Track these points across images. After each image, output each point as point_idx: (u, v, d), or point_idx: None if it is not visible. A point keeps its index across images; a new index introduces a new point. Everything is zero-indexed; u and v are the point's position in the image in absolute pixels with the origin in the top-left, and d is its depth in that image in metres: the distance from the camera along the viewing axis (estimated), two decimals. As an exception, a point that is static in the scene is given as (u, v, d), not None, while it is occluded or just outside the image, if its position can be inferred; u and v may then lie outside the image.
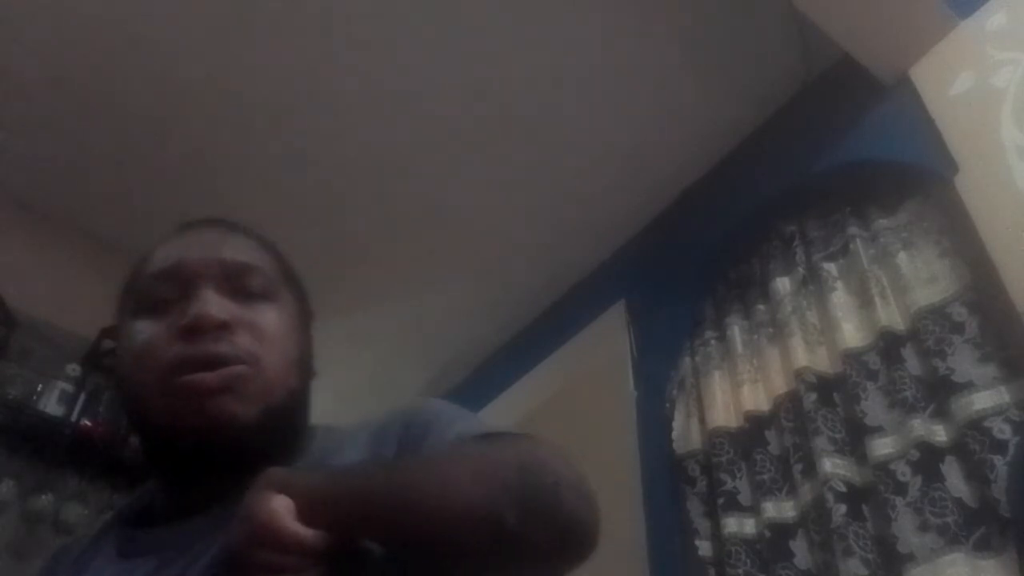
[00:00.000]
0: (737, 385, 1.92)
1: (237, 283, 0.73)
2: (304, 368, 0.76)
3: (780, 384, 1.81)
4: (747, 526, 1.72)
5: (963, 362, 1.48)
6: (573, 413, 2.22)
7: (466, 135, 2.30)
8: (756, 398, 1.87)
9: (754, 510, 1.73)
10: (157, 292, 0.73)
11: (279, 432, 0.71)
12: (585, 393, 2.30)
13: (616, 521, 1.99)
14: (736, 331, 1.99)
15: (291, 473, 0.59)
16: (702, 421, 1.96)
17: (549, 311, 2.82)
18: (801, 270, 1.89)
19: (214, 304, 0.70)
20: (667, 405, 2.06)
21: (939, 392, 1.49)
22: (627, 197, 2.44)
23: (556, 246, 2.62)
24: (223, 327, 0.69)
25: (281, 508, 0.55)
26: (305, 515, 0.55)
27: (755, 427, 1.82)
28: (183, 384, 0.66)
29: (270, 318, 0.73)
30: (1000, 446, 1.35)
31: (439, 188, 2.41)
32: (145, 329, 0.71)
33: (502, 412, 2.51)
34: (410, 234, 2.59)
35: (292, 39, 2.08)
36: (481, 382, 2.84)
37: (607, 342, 2.35)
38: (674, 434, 2.01)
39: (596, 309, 2.48)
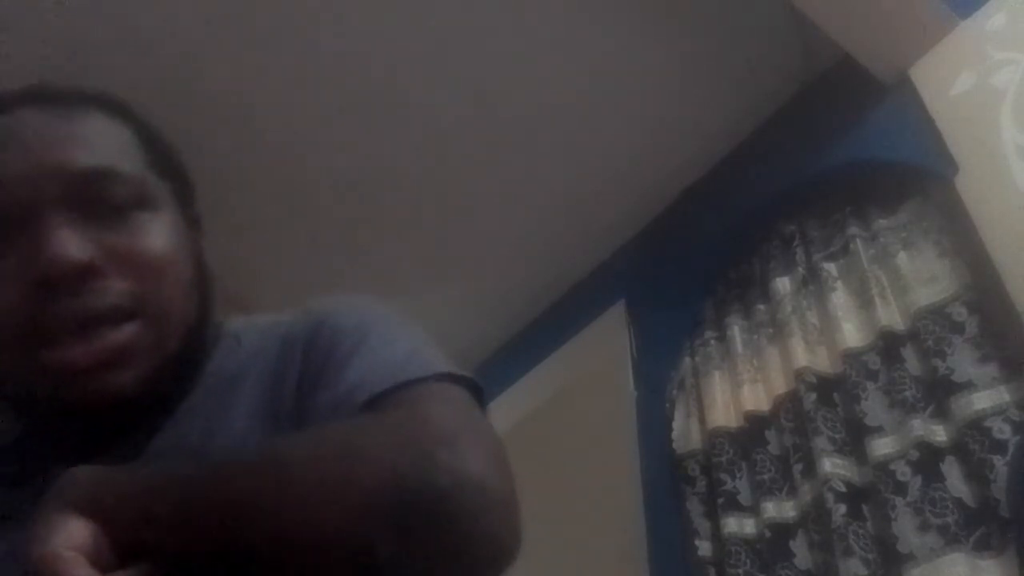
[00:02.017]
0: (737, 385, 1.92)
1: (94, 196, 0.55)
2: (200, 289, 0.61)
3: (780, 384, 1.81)
4: (747, 526, 1.72)
5: (963, 362, 1.47)
6: (573, 413, 2.22)
7: (465, 136, 2.30)
8: (756, 398, 1.87)
9: (754, 510, 1.73)
10: None
11: (173, 382, 0.58)
12: (585, 393, 2.31)
13: (616, 521, 2.00)
14: (736, 331, 1.99)
15: (99, 480, 0.44)
16: (702, 421, 1.96)
17: (549, 311, 2.82)
18: (801, 270, 1.89)
19: (67, 240, 0.51)
20: (667, 405, 2.06)
21: (939, 392, 1.49)
22: (627, 197, 2.44)
23: (556, 246, 2.62)
24: (88, 271, 0.52)
25: (69, 553, 0.40)
26: (116, 537, 0.42)
27: (755, 427, 1.82)
28: (50, 363, 0.52)
29: (148, 239, 0.56)
30: (1000, 446, 1.35)
31: (438, 188, 2.41)
32: None
33: (502, 412, 2.51)
34: (410, 234, 2.59)
35: (295, 40, 2.08)
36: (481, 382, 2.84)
37: (607, 342, 2.36)
38: (674, 434, 2.01)
39: (596, 309, 2.48)
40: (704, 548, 1.79)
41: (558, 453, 2.54)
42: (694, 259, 2.22)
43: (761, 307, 1.97)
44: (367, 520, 0.42)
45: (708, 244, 2.20)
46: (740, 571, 1.65)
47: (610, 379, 2.26)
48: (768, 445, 1.78)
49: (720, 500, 1.78)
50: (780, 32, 2.01)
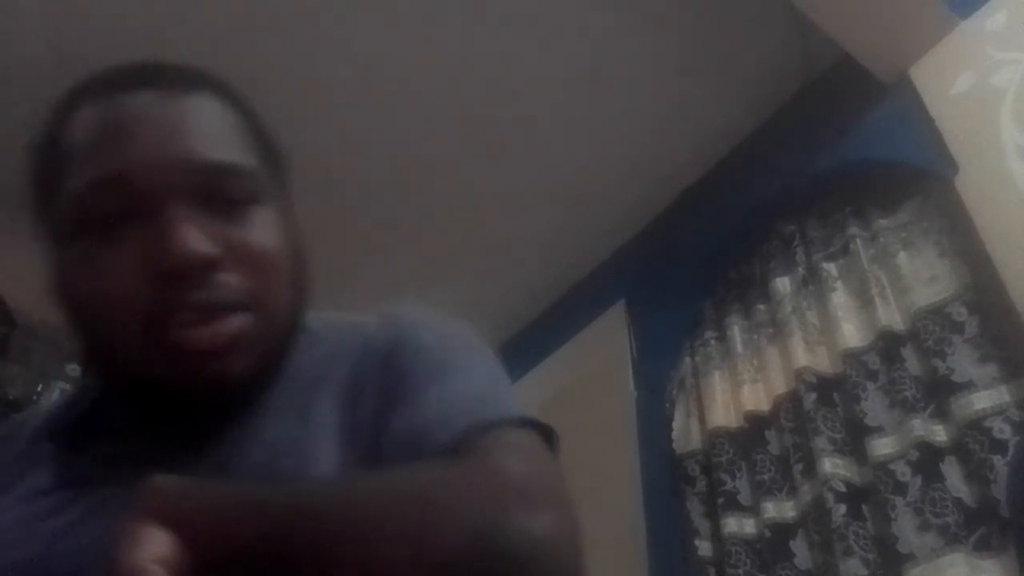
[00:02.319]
0: (737, 385, 1.92)
1: (215, 191, 0.56)
2: (300, 275, 0.62)
3: (780, 384, 1.81)
4: (747, 526, 1.72)
5: (963, 362, 1.48)
6: (573, 413, 2.21)
7: (465, 136, 2.29)
8: (756, 398, 1.87)
9: (754, 510, 1.73)
10: (100, 207, 0.55)
11: (273, 370, 0.60)
12: (585, 393, 2.30)
13: (616, 521, 2.00)
14: (736, 331, 1.99)
15: (182, 493, 0.45)
16: (702, 421, 1.96)
17: (549, 311, 2.82)
18: (801, 270, 1.89)
19: (193, 235, 0.53)
20: (667, 405, 2.06)
21: (939, 392, 1.49)
22: (627, 197, 2.44)
23: (556, 246, 2.62)
24: (210, 266, 0.54)
25: (148, 564, 0.40)
26: (190, 551, 0.42)
27: (755, 427, 1.82)
28: (177, 342, 0.53)
29: (263, 233, 0.58)
30: (1000, 446, 1.35)
31: (439, 189, 2.41)
32: (96, 261, 0.54)
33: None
34: (410, 234, 2.59)
35: (299, 35, 2.08)
36: (481, 382, 2.84)
37: (607, 342, 2.36)
38: (674, 434, 2.01)
39: (596, 309, 2.48)
40: (704, 548, 1.79)
41: (558, 453, 2.54)
42: (694, 259, 2.22)
43: (761, 307, 1.97)
44: None
45: (708, 244, 2.20)
46: (740, 571, 1.65)
47: (610, 379, 2.26)
48: (768, 445, 1.78)
49: (720, 500, 1.78)
50: (780, 32, 2.01)
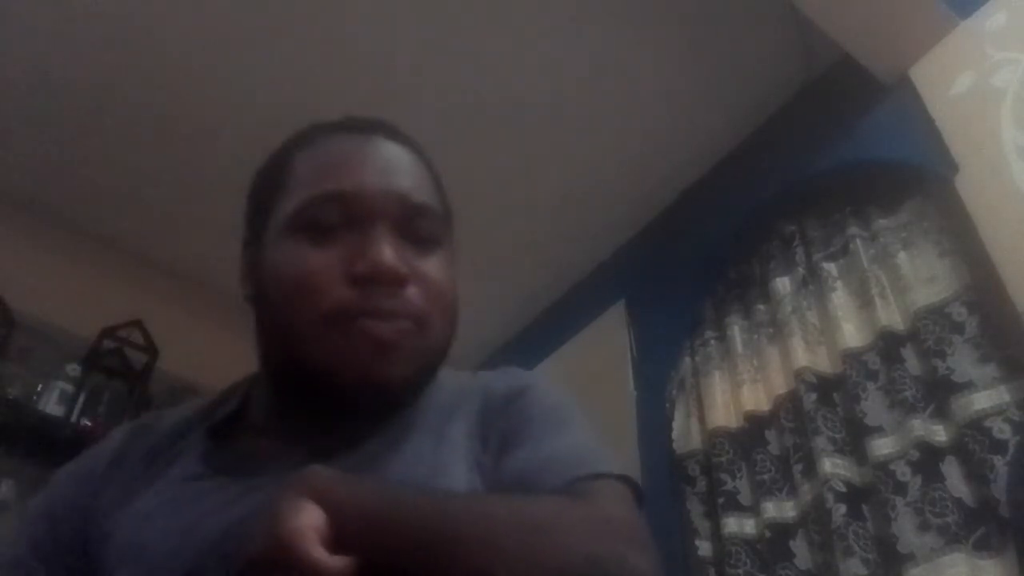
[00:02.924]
0: (737, 385, 1.92)
1: (412, 226, 0.68)
2: (457, 319, 0.71)
3: (780, 384, 1.81)
4: (747, 526, 1.72)
5: (963, 362, 1.47)
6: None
7: (465, 136, 2.29)
8: (756, 398, 1.87)
9: (754, 510, 1.73)
10: (322, 215, 0.66)
11: (422, 388, 0.69)
12: (585, 393, 2.30)
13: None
14: (736, 331, 1.99)
15: (334, 479, 0.53)
16: (702, 421, 1.96)
17: (549, 311, 2.82)
18: (801, 270, 1.89)
19: (392, 254, 0.64)
20: (667, 405, 2.06)
21: (939, 392, 1.49)
22: (627, 197, 2.44)
23: (556, 246, 2.62)
24: (401, 281, 0.64)
25: (307, 529, 0.48)
26: (336, 533, 0.50)
27: (755, 427, 1.82)
28: (354, 331, 0.62)
29: (439, 271, 0.69)
30: (1000, 446, 1.35)
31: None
32: (306, 256, 0.65)
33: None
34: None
35: (296, 37, 2.08)
36: (481, 382, 2.84)
37: (607, 342, 2.35)
38: (674, 434, 2.01)
39: (596, 309, 2.48)
40: (704, 548, 1.79)
41: (558, 453, 2.54)
42: (694, 259, 2.22)
43: (761, 307, 1.97)
44: None
45: (708, 244, 2.20)
46: (740, 571, 1.65)
47: (610, 379, 2.26)
48: (768, 445, 1.78)
49: (720, 500, 1.78)
50: (780, 32, 2.01)
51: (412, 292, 0.65)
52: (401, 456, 0.64)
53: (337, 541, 0.49)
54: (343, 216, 0.66)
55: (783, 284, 1.91)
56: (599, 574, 0.51)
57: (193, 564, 0.58)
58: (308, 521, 0.49)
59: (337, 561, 0.48)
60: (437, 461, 0.64)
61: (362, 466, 0.62)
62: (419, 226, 0.69)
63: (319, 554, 0.48)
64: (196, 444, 0.68)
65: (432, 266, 0.68)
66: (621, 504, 0.60)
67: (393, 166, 0.71)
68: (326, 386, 0.64)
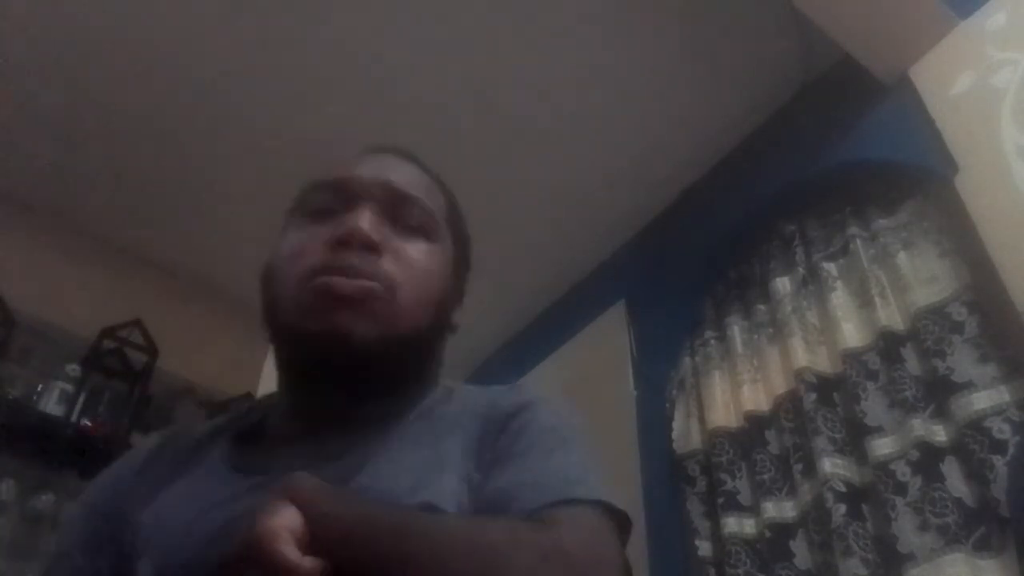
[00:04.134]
0: (737, 385, 1.92)
1: (398, 211, 0.74)
2: (440, 313, 0.76)
3: (780, 384, 1.81)
4: (747, 526, 1.72)
5: (963, 362, 1.47)
6: (573, 413, 2.21)
7: (466, 136, 2.29)
8: (756, 398, 1.87)
9: (754, 510, 1.73)
10: (320, 200, 0.75)
11: (396, 364, 0.71)
12: (585, 393, 2.30)
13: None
14: (736, 331, 1.99)
15: (316, 486, 0.57)
16: (702, 421, 1.96)
17: (549, 311, 2.82)
18: (801, 270, 1.89)
19: (369, 223, 0.71)
20: (667, 405, 2.06)
21: (939, 392, 1.49)
22: (627, 197, 2.44)
23: (556, 246, 2.62)
24: (372, 247, 0.70)
25: (283, 529, 0.52)
26: (312, 536, 0.53)
27: (755, 427, 1.82)
28: (317, 285, 0.68)
29: (420, 255, 0.74)
30: (1000, 446, 1.35)
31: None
32: (300, 233, 0.73)
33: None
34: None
35: (294, 38, 2.08)
36: (481, 382, 2.82)
37: (607, 342, 2.35)
38: (674, 434, 2.01)
39: (596, 309, 2.48)
40: (704, 548, 1.79)
41: (558, 453, 2.54)
42: (694, 259, 2.22)
43: (761, 307, 1.97)
44: None
45: (708, 244, 2.20)
46: (740, 571, 1.65)
47: (610, 379, 2.26)
48: (768, 445, 1.78)
49: (720, 500, 1.78)
50: (780, 32, 2.01)
51: (386, 260, 0.71)
52: (390, 465, 0.67)
53: (311, 545, 0.53)
54: (336, 200, 0.74)
55: (783, 284, 1.91)
56: None
57: (193, 554, 0.62)
58: (284, 523, 0.53)
59: (308, 562, 0.51)
60: (425, 473, 0.66)
61: (351, 472, 0.65)
62: (406, 214, 0.75)
63: (292, 553, 0.51)
64: (220, 448, 0.74)
65: (413, 249, 0.73)
66: (585, 534, 0.61)
67: (389, 165, 0.78)
68: (297, 338, 0.70)
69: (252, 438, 0.75)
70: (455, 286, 0.80)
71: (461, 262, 0.82)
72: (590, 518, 0.62)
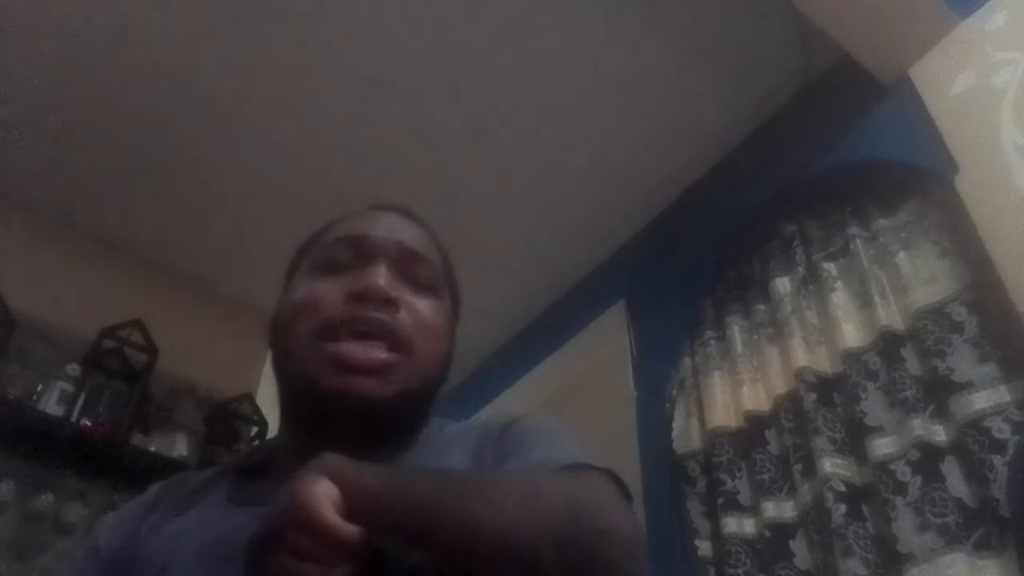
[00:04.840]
0: (737, 385, 1.92)
1: (409, 269, 0.78)
2: (445, 366, 0.79)
3: (780, 384, 1.81)
4: (747, 526, 1.72)
5: (963, 362, 1.47)
6: (573, 413, 2.21)
7: (465, 136, 2.30)
8: (756, 398, 1.87)
9: (754, 510, 1.73)
10: (336, 255, 0.78)
11: (408, 415, 0.75)
12: (585, 393, 2.30)
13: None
14: (736, 331, 1.99)
15: (346, 462, 0.59)
16: (702, 421, 1.96)
17: (549, 311, 2.82)
18: (801, 270, 1.89)
19: (386, 279, 0.74)
20: (667, 405, 2.06)
21: (939, 392, 1.49)
22: (627, 197, 2.44)
23: (556, 246, 2.62)
24: (390, 302, 0.73)
25: (323, 495, 0.54)
26: (348, 507, 0.55)
27: (755, 427, 1.82)
28: (331, 354, 0.70)
29: (431, 312, 0.77)
30: (1000, 446, 1.35)
31: (439, 188, 2.41)
32: (315, 284, 0.76)
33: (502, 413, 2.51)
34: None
35: (294, 38, 2.08)
36: (481, 382, 2.84)
37: (607, 342, 2.35)
38: (674, 434, 2.01)
39: (596, 309, 2.48)
40: (704, 548, 1.79)
41: (558, 453, 2.54)
42: (694, 259, 2.22)
43: (761, 307, 1.97)
44: (541, 535, 0.56)
45: (708, 244, 2.20)
46: (740, 571, 1.65)
47: (610, 379, 2.26)
48: (768, 445, 1.78)
49: (720, 500, 1.78)
50: (780, 32, 2.01)
51: (402, 316, 0.74)
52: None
53: (348, 516, 0.55)
54: (352, 255, 0.77)
55: (783, 284, 1.91)
56: (583, 520, 0.58)
57: (207, 574, 0.64)
58: (322, 490, 0.55)
59: (350, 527, 0.54)
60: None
61: None
62: (417, 271, 0.78)
63: (334, 517, 0.53)
64: (225, 486, 0.77)
65: (424, 305, 0.77)
66: (607, 485, 0.65)
67: (399, 225, 0.83)
68: (312, 394, 0.71)
69: (256, 475, 0.77)
70: (453, 338, 0.83)
71: (456, 316, 0.86)
72: (602, 476, 0.66)
